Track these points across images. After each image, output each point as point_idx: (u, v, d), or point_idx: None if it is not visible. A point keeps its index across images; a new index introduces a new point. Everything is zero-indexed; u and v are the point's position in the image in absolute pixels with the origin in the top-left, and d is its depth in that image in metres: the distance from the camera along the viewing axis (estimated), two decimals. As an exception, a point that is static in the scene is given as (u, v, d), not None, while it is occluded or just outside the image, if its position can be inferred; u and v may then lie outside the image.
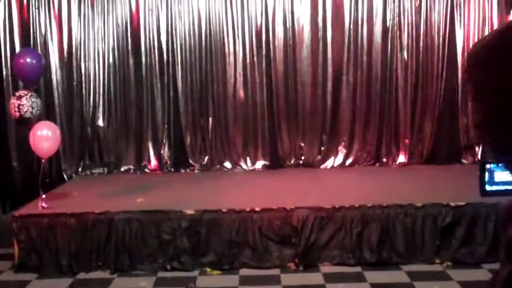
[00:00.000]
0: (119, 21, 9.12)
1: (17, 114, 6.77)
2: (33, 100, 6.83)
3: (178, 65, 9.12)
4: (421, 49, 8.97)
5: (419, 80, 9.02)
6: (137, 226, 6.52)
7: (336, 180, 8.25)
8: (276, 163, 9.16)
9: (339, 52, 9.02)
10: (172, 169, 9.21)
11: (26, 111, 6.74)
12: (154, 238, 6.52)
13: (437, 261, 6.41)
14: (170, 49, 9.11)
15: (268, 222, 6.48)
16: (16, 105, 6.74)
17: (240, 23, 9.05)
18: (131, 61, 9.16)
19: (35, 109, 6.83)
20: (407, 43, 8.96)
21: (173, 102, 9.18)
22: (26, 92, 6.85)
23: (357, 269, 6.36)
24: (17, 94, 6.91)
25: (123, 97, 9.22)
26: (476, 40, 8.88)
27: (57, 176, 8.97)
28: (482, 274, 6.13)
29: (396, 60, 8.99)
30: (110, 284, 6.25)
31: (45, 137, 6.86)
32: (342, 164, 9.10)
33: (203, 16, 9.06)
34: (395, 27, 8.97)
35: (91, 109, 9.20)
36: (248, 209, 6.52)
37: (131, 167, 9.24)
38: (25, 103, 6.73)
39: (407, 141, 9.05)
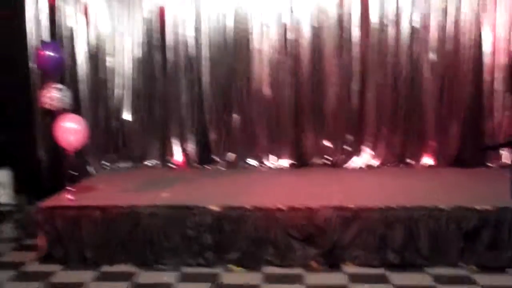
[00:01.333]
0: (146, 16, 9.15)
1: (58, 105, 6.86)
2: (68, 92, 6.95)
3: (203, 60, 9.13)
4: (448, 50, 8.90)
5: (445, 82, 8.95)
6: (162, 221, 6.56)
7: (361, 181, 8.21)
8: (300, 162, 9.15)
9: (365, 52, 8.98)
10: (197, 165, 9.23)
11: (67, 103, 6.86)
12: (178, 233, 6.56)
13: (461, 264, 6.39)
14: (196, 44, 9.12)
15: (292, 221, 6.48)
16: (59, 96, 6.83)
17: (267, 20, 9.04)
18: (157, 56, 9.19)
19: (69, 101, 6.94)
20: (434, 44, 8.90)
21: (198, 97, 9.20)
22: (61, 85, 6.94)
23: (381, 270, 6.36)
24: (57, 86, 6.99)
25: (149, 92, 9.26)
26: (503, 42, 8.83)
27: (82, 169, 9.01)
28: (506, 279, 6.11)
29: (423, 62, 8.93)
30: (133, 277, 6.30)
31: (71, 130, 6.91)
32: (367, 165, 9.06)
33: (230, 12, 9.06)
34: (422, 28, 8.90)
35: (117, 102, 9.25)
36: (272, 207, 6.53)
37: (156, 161, 9.29)
38: (60, 95, 6.83)
39: (432, 143, 8.99)
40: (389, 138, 9.06)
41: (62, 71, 8.26)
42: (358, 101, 9.04)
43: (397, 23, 8.91)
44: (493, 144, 8.85)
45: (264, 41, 9.07)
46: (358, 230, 6.48)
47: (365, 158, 9.09)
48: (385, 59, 8.95)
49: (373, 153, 9.09)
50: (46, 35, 8.95)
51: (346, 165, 9.08)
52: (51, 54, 7.10)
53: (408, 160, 9.09)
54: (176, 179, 8.25)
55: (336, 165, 9.07)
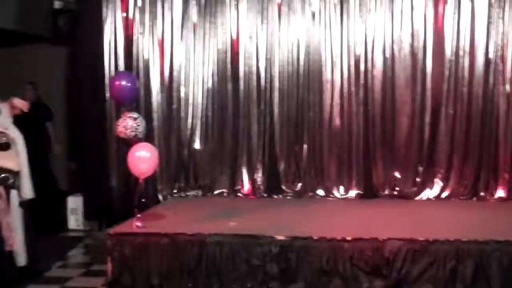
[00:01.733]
0: (219, 47, 9.29)
1: (132, 134, 6.99)
2: (144, 122, 7.16)
3: (275, 91, 9.19)
4: (523, 82, 8.71)
5: (520, 114, 8.75)
6: (228, 249, 6.55)
7: (431, 213, 8.05)
8: (370, 193, 9.05)
9: (438, 83, 8.87)
10: (265, 195, 9.24)
11: (140, 132, 7.03)
12: (244, 262, 6.52)
13: (534, 301, 6.16)
14: (268, 75, 9.20)
15: (359, 252, 6.37)
16: (134, 125, 6.97)
17: (339, 51, 9.06)
18: (229, 86, 9.30)
19: (144, 130, 7.13)
20: (510, 76, 8.70)
21: (269, 128, 9.25)
22: (136, 115, 7.15)
23: (450, 305, 6.18)
24: (133, 115, 7.12)
25: (220, 122, 9.36)
26: None
27: (152, 196, 9.15)
28: None
29: (498, 93, 8.75)
30: (199, 305, 6.30)
31: (143, 158, 7.00)
32: (438, 197, 8.88)
33: (302, 43, 9.12)
34: (498, 59, 8.73)
35: (188, 132, 9.37)
36: (339, 238, 6.45)
37: (225, 190, 9.33)
38: (140, 124, 6.98)
39: (506, 175, 8.74)
40: (462, 170, 8.87)
41: (136, 101, 8.42)
42: (430, 132, 8.91)
43: (471, 53, 8.77)
44: None
45: (336, 72, 9.06)
46: (427, 264, 6.31)
47: (436, 190, 8.92)
48: (459, 90, 8.81)
49: (444, 185, 8.91)
50: (122, 67, 9.20)
51: (416, 197, 8.91)
52: (125, 83, 7.23)
53: (480, 193, 8.86)
54: (243, 208, 8.26)
55: (406, 197, 8.92)
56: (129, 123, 7.03)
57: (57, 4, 10.16)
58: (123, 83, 7.22)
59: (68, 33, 9.98)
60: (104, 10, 9.21)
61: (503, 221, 7.40)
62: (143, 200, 8.33)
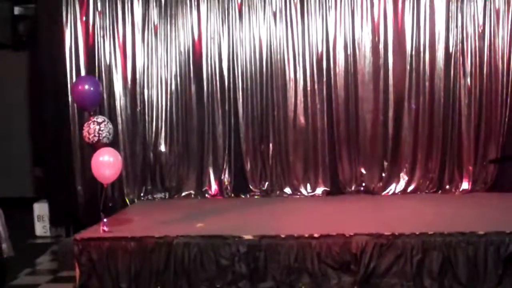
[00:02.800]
0: (182, 49, 9.27)
1: (96, 138, 6.91)
2: (110, 126, 7.04)
3: (239, 91, 9.20)
4: (484, 75, 8.82)
5: (482, 107, 8.87)
6: (196, 250, 6.54)
7: (397, 207, 8.14)
8: (336, 190, 9.10)
9: (400, 79, 8.96)
10: (233, 195, 9.25)
11: (105, 136, 6.92)
12: (213, 263, 6.53)
13: (501, 291, 6.24)
14: (231, 76, 9.21)
15: (327, 249, 6.41)
16: (97, 130, 6.89)
17: (301, 50, 9.09)
18: (193, 88, 9.29)
19: (111, 135, 7.04)
20: (470, 69, 8.82)
21: (234, 128, 9.25)
22: (104, 118, 7.06)
23: (418, 298, 6.24)
24: (97, 119, 7.04)
25: (185, 123, 9.34)
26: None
27: (119, 200, 9.10)
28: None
29: (459, 87, 8.87)
30: (168, 308, 6.28)
31: (107, 163, 6.95)
32: (404, 191, 8.97)
33: (264, 43, 9.15)
34: (458, 53, 8.85)
35: (153, 135, 9.34)
36: (306, 235, 6.47)
37: (192, 192, 9.31)
38: (104, 129, 6.89)
39: (470, 168, 8.87)
40: (427, 164, 8.97)
41: (99, 105, 8.36)
42: (394, 127, 9.00)
43: (432, 48, 8.87)
44: (501, 156, 8.70)
45: (298, 70, 9.09)
46: (394, 258, 6.36)
47: (402, 184, 9.01)
48: (421, 85, 8.91)
49: (410, 179, 9.00)
50: (84, 71, 9.12)
51: (383, 192, 8.99)
52: (88, 88, 7.16)
53: (446, 186, 8.96)
54: (211, 209, 8.26)
55: (373, 192, 9.01)
56: (91, 128, 6.96)
57: (16, 10, 10.06)
58: (86, 87, 7.15)
59: (29, 39, 9.88)
60: (64, 14, 9.10)
61: (468, 213, 7.51)
62: (110, 204, 8.33)
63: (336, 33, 9.02)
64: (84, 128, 7.02)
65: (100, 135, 6.89)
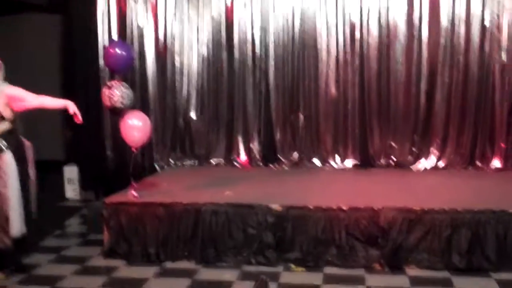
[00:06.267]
0: (214, 15, 9.23)
1: (108, 103, 6.90)
2: (124, 90, 6.90)
3: (270, 60, 9.15)
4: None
5: (517, 83, 8.71)
6: (224, 218, 6.57)
7: (427, 182, 8.06)
8: (366, 162, 9.04)
9: (434, 51, 8.80)
10: (261, 164, 9.24)
11: (117, 101, 6.85)
12: (240, 231, 6.56)
13: (530, 270, 6.18)
14: (263, 43, 9.16)
15: (354, 221, 6.39)
16: (107, 94, 6.86)
17: (334, 20, 8.98)
18: (224, 54, 9.26)
19: (126, 99, 6.91)
20: (506, 44, 8.65)
21: (264, 97, 9.23)
22: (117, 83, 6.96)
23: (445, 274, 6.19)
24: (108, 84, 7.03)
25: (215, 90, 9.34)
26: None
27: (149, 166, 9.15)
28: None
29: (493, 62, 8.69)
30: (195, 274, 6.32)
31: (136, 127, 6.97)
32: (434, 166, 8.86)
33: (297, 11, 9.06)
34: (494, 28, 8.66)
35: (183, 101, 9.34)
36: (335, 207, 6.46)
37: (221, 160, 9.34)
38: (116, 93, 6.84)
39: (503, 145, 8.73)
40: (458, 139, 8.84)
41: (130, 70, 8.36)
42: (426, 101, 8.87)
43: (467, 21, 8.69)
44: None
45: (331, 40, 9.00)
46: (422, 233, 6.32)
47: (432, 159, 8.91)
48: (455, 58, 8.75)
49: (440, 154, 8.90)
50: (116, 35, 9.13)
51: (412, 167, 8.91)
52: (120, 52, 7.13)
53: (477, 163, 8.84)
54: (240, 177, 8.27)
55: (402, 166, 8.92)
56: (103, 92, 6.94)
57: (51, -28, 10.07)
58: (118, 51, 7.12)
59: (63, 2, 9.87)
60: (97, -22, 9.10)
61: (498, 191, 7.39)
62: (139, 170, 8.35)
63: (370, 3, 8.88)
64: (104, 92, 6.98)
65: (112, 100, 6.85)
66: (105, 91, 6.89)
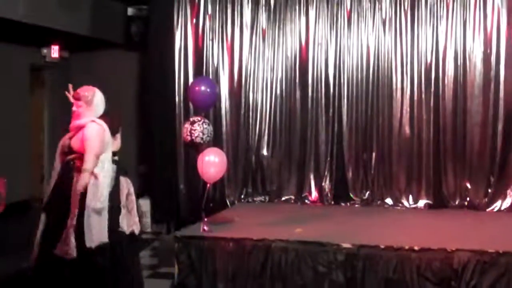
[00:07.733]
0: (289, 53, 9.32)
1: (188, 138, 7.01)
2: (205, 126, 7.04)
3: (344, 98, 9.16)
4: None
5: None
6: (294, 255, 6.54)
7: (502, 225, 7.85)
8: (439, 203, 8.87)
9: (511, 92, 8.64)
10: (332, 202, 9.19)
11: (197, 136, 6.97)
12: (310, 269, 6.51)
13: None
14: (337, 82, 9.18)
15: (427, 263, 6.27)
16: (189, 129, 6.98)
17: (409, 59, 8.95)
18: (297, 93, 9.31)
19: (206, 135, 7.03)
20: None
21: (337, 135, 9.21)
22: (199, 118, 7.09)
23: (520, 320, 6.01)
24: (190, 119, 7.17)
25: (288, 128, 9.37)
26: None
27: (220, 201, 9.21)
28: None
29: None
30: (263, 310, 6.30)
31: (213, 163, 7.06)
32: (510, 209, 8.63)
33: (372, 51, 9.06)
34: None
35: (256, 138, 9.42)
36: (406, 247, 6.36)
37: (292, 197, 9.33)
38: (197, 128, 6.96)
39: None
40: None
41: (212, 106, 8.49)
42: (503, 142, 8.67)
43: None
44: None
45: (406, 79, 8.95)
46: (497, 276, 6.15)
47: (508, 201, 8.67)
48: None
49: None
50: (192, 72, 9.32)
51: (487, 209, 8.69)
52: (205, 88, 7.28)
53: (556, 205, 8.58)
54: (310, 215, 8.25)
55: (477, 208, 8.71)
56: (184, 127, 7.07)
57: (130, 11, 10.36)
58: (203, 88, 7.27)
59: (141, 39, 10.16)
60: (175, 17, 9.36)
61: None
62: (210, 204, 8.41)
63: (446, 43, 8.82)
64: (185, 127, 7.12)
65: (193, 135, 6.96)
66: (187, 126, 7.02)
